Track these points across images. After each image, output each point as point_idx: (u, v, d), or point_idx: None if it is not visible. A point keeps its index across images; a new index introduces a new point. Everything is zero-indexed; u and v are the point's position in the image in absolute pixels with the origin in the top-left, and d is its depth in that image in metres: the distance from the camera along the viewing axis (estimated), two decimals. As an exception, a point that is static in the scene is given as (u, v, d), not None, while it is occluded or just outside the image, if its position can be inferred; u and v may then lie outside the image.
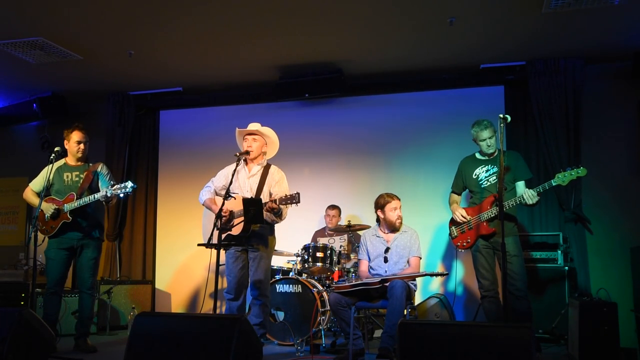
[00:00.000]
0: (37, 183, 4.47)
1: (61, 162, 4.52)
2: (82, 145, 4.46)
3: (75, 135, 4.44)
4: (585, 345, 3.63)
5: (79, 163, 4.51)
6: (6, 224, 6.93)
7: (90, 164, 4.55)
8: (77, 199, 4.29)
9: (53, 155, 4.26)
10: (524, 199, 3.95)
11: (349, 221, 5.25)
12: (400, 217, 4.15)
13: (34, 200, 4.45)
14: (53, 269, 4.33)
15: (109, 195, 4.18)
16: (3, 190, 6.97)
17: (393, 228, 4.15)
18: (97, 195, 4.22)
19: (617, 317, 3.65)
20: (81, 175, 4.44)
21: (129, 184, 4.14)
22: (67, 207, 4.29)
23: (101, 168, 4.52)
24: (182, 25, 4.66)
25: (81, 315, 4.43)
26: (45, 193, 4.32)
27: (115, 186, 4.16)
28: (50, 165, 4.32)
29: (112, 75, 5.85)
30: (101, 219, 4.64)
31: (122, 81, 6.08)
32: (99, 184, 4.46)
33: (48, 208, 4.31)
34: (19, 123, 6.88)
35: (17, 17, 4.51)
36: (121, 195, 4.16)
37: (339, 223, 5.58)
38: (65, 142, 4.49)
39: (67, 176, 4.44)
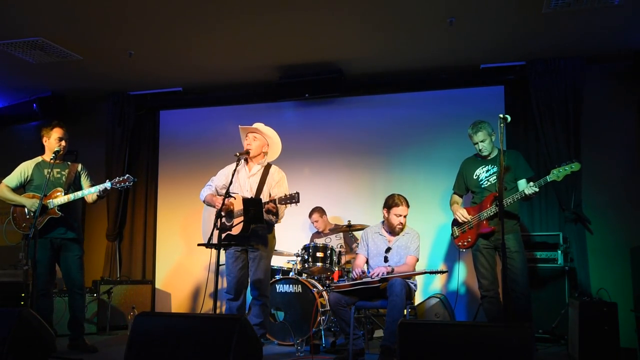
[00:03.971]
0: (14, 179, 4.41)
1: (38, 159, 4.50)
2: (63, 142, 4.44)
3: (56, 132, 4.43)
4: (585, 345, 3.63)
5: (59, 161, 4.47)
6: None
7: (70, 163, 4.56)
8: (65, 194, 4.29)
9: (53, 155, 4.27)
10: (525, 194, 3.94)
11: (349, 221, 5.26)
12: (402, 224, 4.12)
13: (10, 196, 4.37)
14: (42, 270, 4.25)
15: (108, 188, 4.23)
16: (3, 190, 6.95)
17: (392, 231, 4.15)
18: (94, 189, 4.26)
19: (617, 317, 3.65)
20: (63, 172, 4.44)
21: (129, 177, 4.22)
22: (54, 202, 4.27)
23: (81, 168, 4.56)
24: (182, 25, 4.66)
25: (75, 316, 4.38)
26: (21, 190, 4.37)
27: (115, 179, 4.22)
28: (32, 162, 4.39)
29: (112, 75, 5.85)
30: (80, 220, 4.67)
31: (122, 81, 6.08)
32: (80, 183, 4.50)
33: (33, 204, 4.26)
34: (19, 123, 6.88)
35: (17, 17, 4.51)
36: (119, 188, 4.26)
37: (329, 221, 5.58)
38: (45, 139, 4.45)
39: (48, 172, 4.36)
